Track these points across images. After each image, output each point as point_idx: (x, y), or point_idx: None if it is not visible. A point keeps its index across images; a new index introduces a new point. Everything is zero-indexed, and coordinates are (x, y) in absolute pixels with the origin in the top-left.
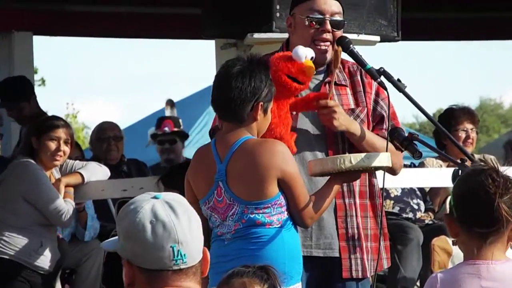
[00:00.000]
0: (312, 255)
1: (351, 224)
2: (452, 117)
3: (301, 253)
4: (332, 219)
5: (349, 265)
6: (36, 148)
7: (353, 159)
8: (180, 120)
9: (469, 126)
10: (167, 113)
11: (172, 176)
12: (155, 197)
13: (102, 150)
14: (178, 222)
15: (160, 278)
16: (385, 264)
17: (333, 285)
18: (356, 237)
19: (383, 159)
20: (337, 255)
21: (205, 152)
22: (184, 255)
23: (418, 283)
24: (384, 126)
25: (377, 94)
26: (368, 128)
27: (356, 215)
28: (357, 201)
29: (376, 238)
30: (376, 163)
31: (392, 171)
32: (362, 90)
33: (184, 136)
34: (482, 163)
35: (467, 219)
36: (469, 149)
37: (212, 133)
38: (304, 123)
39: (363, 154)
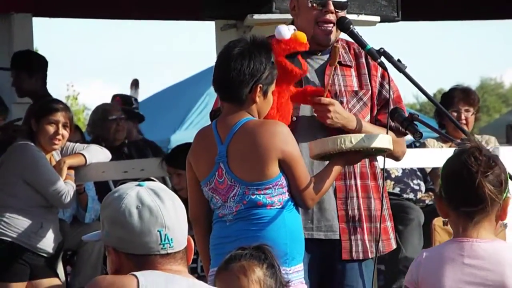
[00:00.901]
0: (313, 238)
1: (351, 205)
2: (447, 98)
3: (303, 235)
4: (333, 201)
5: (349, 246)
6: (35, 130)
7: (354, 139)
8: (134, 100)
9: (463, 107)
10: (131, 93)
11: (176, 156)
12: (139, 185)
13: (111, 130)
14: (164, 207)
15: (148, 263)
16: (393, 244)
17: (334, 267)
18: (356, 218)
19: (384, 140)
20: (337, 237)
21: (206, 133)
22: (171, 239)
23: None
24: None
25: (383, 77)
26: (373, 111)
27: (358, 196)
28: (358, 182)
29: (383, 218)
30: (376, 143)
31: (394, 157)
32: (367, 72)
33: (135, 115)
34: (469, 143)
35: (453, 198)
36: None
37: (213, 114)
38: (307, 110)
39: (363, 134)
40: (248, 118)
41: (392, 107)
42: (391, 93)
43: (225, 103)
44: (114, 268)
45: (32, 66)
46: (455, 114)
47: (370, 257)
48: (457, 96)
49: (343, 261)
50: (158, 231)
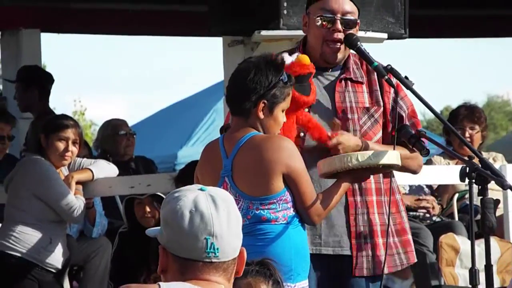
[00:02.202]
0: (321, 253)
1: (362, 221)
2: (453, 116)
3: (309, 251)
4: (342, 217)
5: (361, 263)
6: (44, 146)
7: (360, 156)
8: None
9: (467, 124)
10: None
11: (188, 172)
12: (201, 189)
13: (122, 145)
14: (217, 215)
15: (191, 269)
16: (414, 256)
17: (343, 283)
18: (368, 234)
19: (391, 157)
20: (346, 252)
21: (213, 148)
22: (217, 249)
23: None
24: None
25: (396, 93)
26: (387, 127)
27: (368, 213)
28: (368, 198)
29: (404, 231)
30: (383, 160)
31: (412, 171)
32: (379, 89)
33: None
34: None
35: None
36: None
37: (223, 130)
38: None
39: (370, 152)
40: (254, 133)
41: (406, 122)
42: (405, 108)
43: (233, 117)
44: (161, 268)
45: (26, 80)
46: (459, 131)
47: (387, 272)
48: (462, 114)
49: (352, 277)
50: (205, 238)
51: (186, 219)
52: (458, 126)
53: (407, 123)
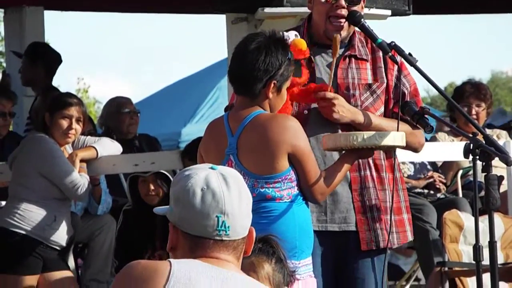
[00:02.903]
0: (327, 230)
1: (367, 196)
2: (458, 92)
3: (313, 228)
4: (347, 193)
5: (367, 237)
6: (48, 124)
7: (366, 136)
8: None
9: (473, 102)
10: None
11: (195, 148)
12: (211, 168)
13: (125, 123)
14: (228, 194)
15: (201, 246)
16: (410, 236)
17: (349, 258)
18: (374, 208)
19: (396, 138)
20: (352, 228)
21: (218, 125)
22: (228, 227)
23: None
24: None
25: (400, 70)
26: (389, 104)
27: (374, 187)
28: (374, 173)
29: (399, 211)
30: (389, 142)
31: (412, 149)
32: (383, 66)
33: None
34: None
35: None
36: None
37: (228, 109)
38: (315, 105)
39: (376, 133)
40: (259, 112)
41: (408, 99)
42: (407, 85)
43: (238, 96)
44: (170, 245)
45: (34, 54)
46: (465, 109)
47: (390, 246)
48: (468, 91)
49: (357, 253)
50: (216, 216)
51: (198, 197)
52: (464, 103)
53: (413, 99)
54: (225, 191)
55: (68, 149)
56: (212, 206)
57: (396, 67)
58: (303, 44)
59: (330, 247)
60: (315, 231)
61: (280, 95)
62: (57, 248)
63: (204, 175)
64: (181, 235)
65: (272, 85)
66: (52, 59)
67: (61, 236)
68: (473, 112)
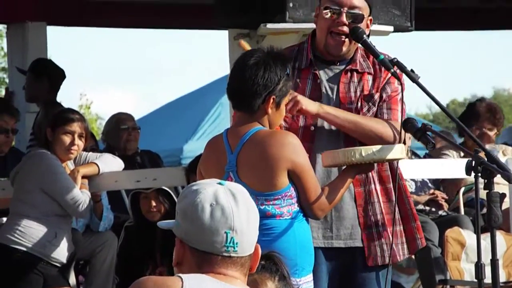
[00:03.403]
0: (333, 246)
1: (373, 211)
2: (472, 111)
3: (319, 244)
4: (352, 208)
5: (373, 252)
6: (50, 140)
7: (364, 152)
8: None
9: (487, 125)
10: None
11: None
12: (219, 183)
13: (122, 140)
14: (237, 210)
15: (208, 262)
16: (420, 244)
17: (354, 274)
18: (380, 223)
19: (395, 151)
20: (358, 244)
21: (217, 142)
22: (237, 243)
23: None
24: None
25: (388, 81)
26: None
27: (378, 201)
28: (378, 186)
29: (407, 220)
30: (387, 155)
31: (378, 138)
32: (380, 75)
33: None
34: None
35: None
36: None
37: None
38: (324, 122)
39: (374, 147)
40: (258, 128)
41: (385, 106)
42: (388, 91)
43: (237, 111)
44: (176, 260)
45: (38, 70)
46: (478, 131)
47: (399, 260)
48: (483, 115)
49: (363, 269)
50: (225, 232)
51: (207, 212)
52: (477, 126)
53: (382, 105)
54: (234, 207)
55: (69, 165)
56: (221, 222)
57: (387, 76)
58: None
59: (336, 263)
60: (320, 248)
61: (279, 110)
62: (58, 264)
63: (213, 191)
64: (188, 250)
65: (272, 100)
66: (57, 75)
67: (61, 253)
68: (485, 136)
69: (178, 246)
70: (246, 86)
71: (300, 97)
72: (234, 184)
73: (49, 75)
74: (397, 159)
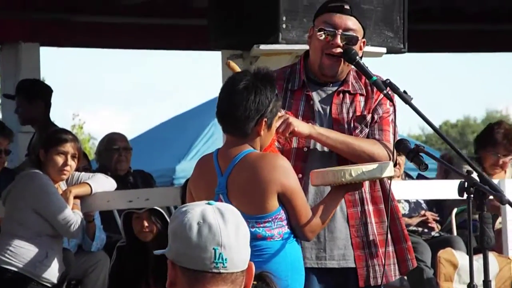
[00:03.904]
0: (326, 267)
1: (365, 231)
2: (489, 136)
3: (312, 265)
4: (345, 229)
5: (365, 273)
6: (43, 160)
7: (354, 172)
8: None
9: (503, 152)
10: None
11: None
12: (208, 203)
13: (113, 160)
14: (224, 227)
15: (200, 280)
16: (410, 265)
17: None
18: (372, 244)
19: (384, 169)
20: (351, 265)
21: (207, 162)
22: (225, 259)
23: None
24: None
25: (379, 102)
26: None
27: (371, 222)
28: (370, 207)
29: (398, 240)
30: (377, 174)
31: (366, 156)
32: (372, 96)
33: None
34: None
35: None
36: (499, 175)
37: None
38: (317, 143)
39: (363, 167)
40: (249, 151)
41: (377, 127)
42: (380, 112)
43: (227, 134)
44: (169, 282)
45: (31, 92)
46: (493, 157)
47: (391, 281)
48: (500, 142)
49: None
50: (213, 248)
51: (195, 230)
52: (492, 152)
53: (374, 126)
54: (222, 224)
55: (62, 185)
56: (209, 238)
57: (379, 98)
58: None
59: (330, 284)
60: (314, 268)
61: (270, 131)
62: (48, 285)
63: (201, 210)
64: (180, 270)
65: (264, 123)
66: (48, 94)
67: (52, 273)
68: (500, 162)
69: (170, 268)
70: (238, 111)
71: (292, 119)
72: (224, 204)
73: (42, 97)
74: (387, 178)
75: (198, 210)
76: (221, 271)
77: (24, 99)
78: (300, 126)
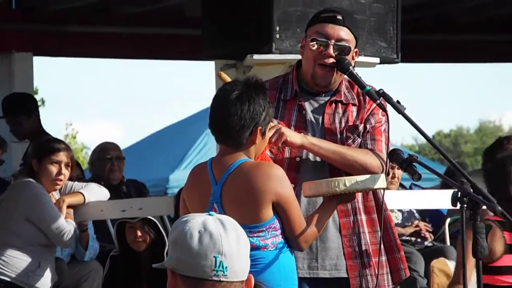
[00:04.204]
0: (318, 277)
1: (357, 241)
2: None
3: (304, 275)
4: (337, 239)
5: (358, 283)
6: (36, 170)
7: (348, 182)
8: None
9: None
10: None
11: None
12: (209, 214)
13: (105, 170)
14: (225, 235)
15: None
16: (403, 275)
17: None
18: (364, 254)
19: (377, 181)
20: (343, 275)
21: (201, 171)
22: (226, 267)
23: None
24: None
25: (372, 112)
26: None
27: (364, 232)
28: (363, 217)
29: (390, 250)
30: (370, 185)
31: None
32: (364, 106)
33: None
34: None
35: None
36: None
37: None
38: (310, 153)
39: (357, 177)
40: (243, 160)
41: (369, 137)
42: (372, 122)
43: (221, 145)
44: None
45: (25, 106)
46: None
47: None
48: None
49: None
50: (214, 256)
51: (195, 238)
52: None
53: (366, 136)
54: (223, 233)
55: (55, 194)
56: (210, 246)
57: (371, 107)
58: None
59: None
60: (306, 278)
61: (264, 138)
62: None
63: (202, 219)
64: (180, 279)
65: (258, 131)
66: (37, 104)
67: (45, 282)
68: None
69: (170, 277)
70: (232, 122)
71: (284, 129)
72: (224, 215)
73: (37, 108)
74: (380, 189)
75: (199, 220)
76: (221, 279)
77: (23, 115)
78: (293, 136)
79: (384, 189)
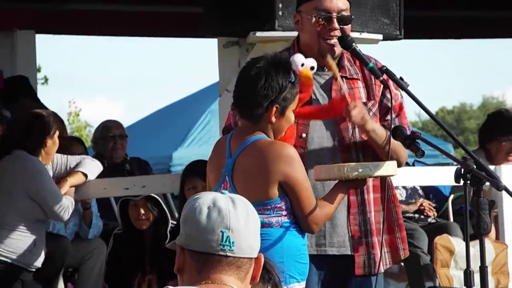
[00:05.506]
0: (327, 253)
1: (364, 220)
2: (498, 124)
3: (312, 252)
4: (344, 217)
5: (362, 261)
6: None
7: (360, 167)
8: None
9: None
10: None
11: (193, 167)
12: (221, 192)
13: (108, 148)
14: (234, 211)
15: (206, 264)
16: (402, 255)
17: (344, 282)
18: (369, 233)
19: (389, 168)
20: (349, 252)
21: (221, 145)
22: (233, 242)
23: None
24: (388, 117)
25: (385, 86)
26: (377, 121)
27: (370, 211)
28: (371, 196)
29: (391, 230)
30: (381, 172)
31: (398, 164)
32: (373, 82)
33: None
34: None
35: None
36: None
37: (224, 131)
38: (316, 128)
39: (369, 164)
40: (259, 137)
41: (393, 115)
42: (391, 100)
43: (242, 119)
44: (177, 267)
45: (34, 92)
46: (507, 144)
47: (382, 270)
48: (508, 127)
49: (356, 276)
50: (221, 231)
51: (204, 213)
52: (499, 139)
53: (393, 115)
54: (232, 209)
55: (48, 167)
56: (218, 221)
57: (383, 86)
58: (307, 82)
59: (329, 271)
60: (313, 255)
61: (284, 117)
62: (33, 269)
63: (212, 196)
64: (188, 254)
65: (275, 109)
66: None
67: (40, 260)
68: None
69: (178, 253)
70: (247, 96)
71: (366, 115)
72: (236, 195)
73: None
74: (391, 175)
75: (210, 197)
76: (228, 254)
77: (30, 101)
78: (366, 119)
79: (392, 176)
